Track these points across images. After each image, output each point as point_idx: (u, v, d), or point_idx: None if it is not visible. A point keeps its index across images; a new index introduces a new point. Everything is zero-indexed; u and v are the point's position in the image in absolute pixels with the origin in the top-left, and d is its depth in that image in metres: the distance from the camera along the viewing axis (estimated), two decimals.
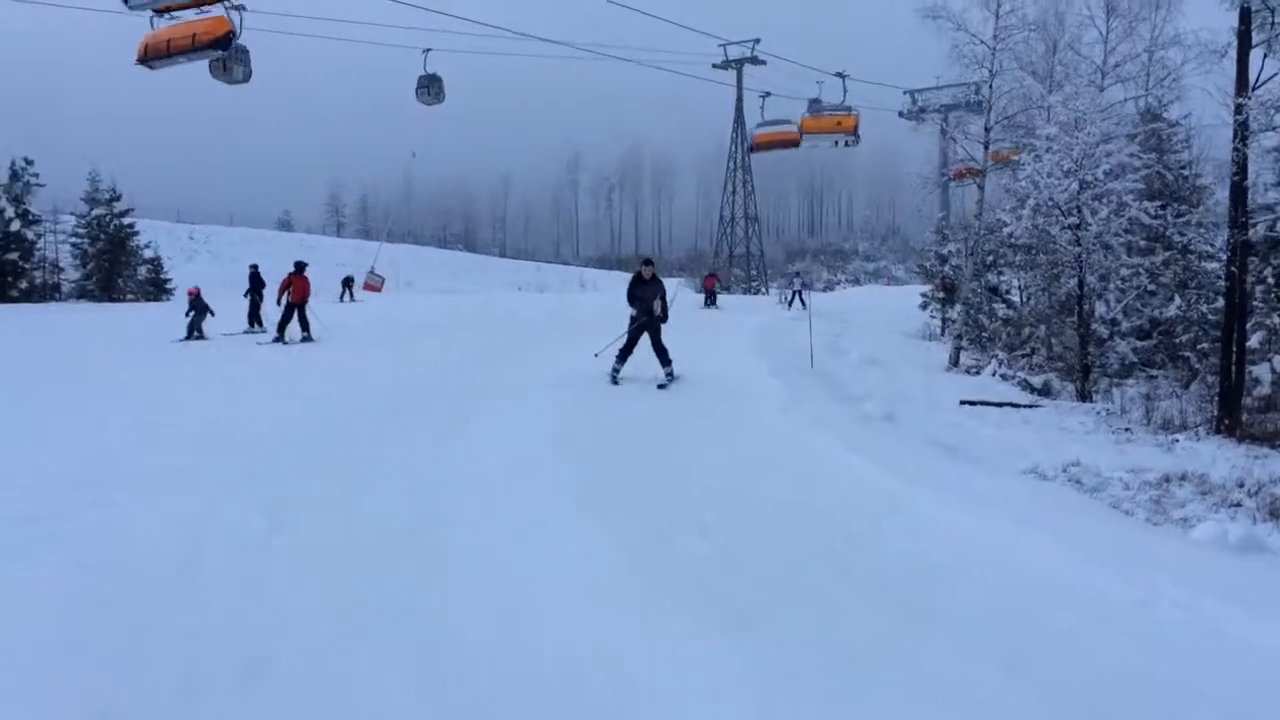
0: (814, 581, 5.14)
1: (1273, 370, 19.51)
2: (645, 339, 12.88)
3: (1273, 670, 4.18)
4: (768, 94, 31.07)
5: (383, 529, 5.64)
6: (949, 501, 6.98)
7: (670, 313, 13.45)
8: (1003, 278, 27.34)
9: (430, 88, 19.87)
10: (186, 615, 4.24)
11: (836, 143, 37.36)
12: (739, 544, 5.71)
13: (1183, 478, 10.98)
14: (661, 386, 12.37)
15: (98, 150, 38.70)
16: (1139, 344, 22.27)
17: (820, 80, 36.80)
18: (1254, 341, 19.97)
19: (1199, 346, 21.40)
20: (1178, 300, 21.99)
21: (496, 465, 7.37)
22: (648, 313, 12.75)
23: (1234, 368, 15.48)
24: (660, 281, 13.35)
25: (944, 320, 30.01)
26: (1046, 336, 21.96)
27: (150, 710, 3.37)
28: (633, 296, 13.05)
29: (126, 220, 35.14)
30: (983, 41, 20.38)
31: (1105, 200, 15.96)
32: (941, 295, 30.60)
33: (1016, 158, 19.59)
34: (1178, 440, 13.75)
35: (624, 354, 12.76)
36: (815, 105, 39.79)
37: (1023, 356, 22.63)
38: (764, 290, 70.27)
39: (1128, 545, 6.05)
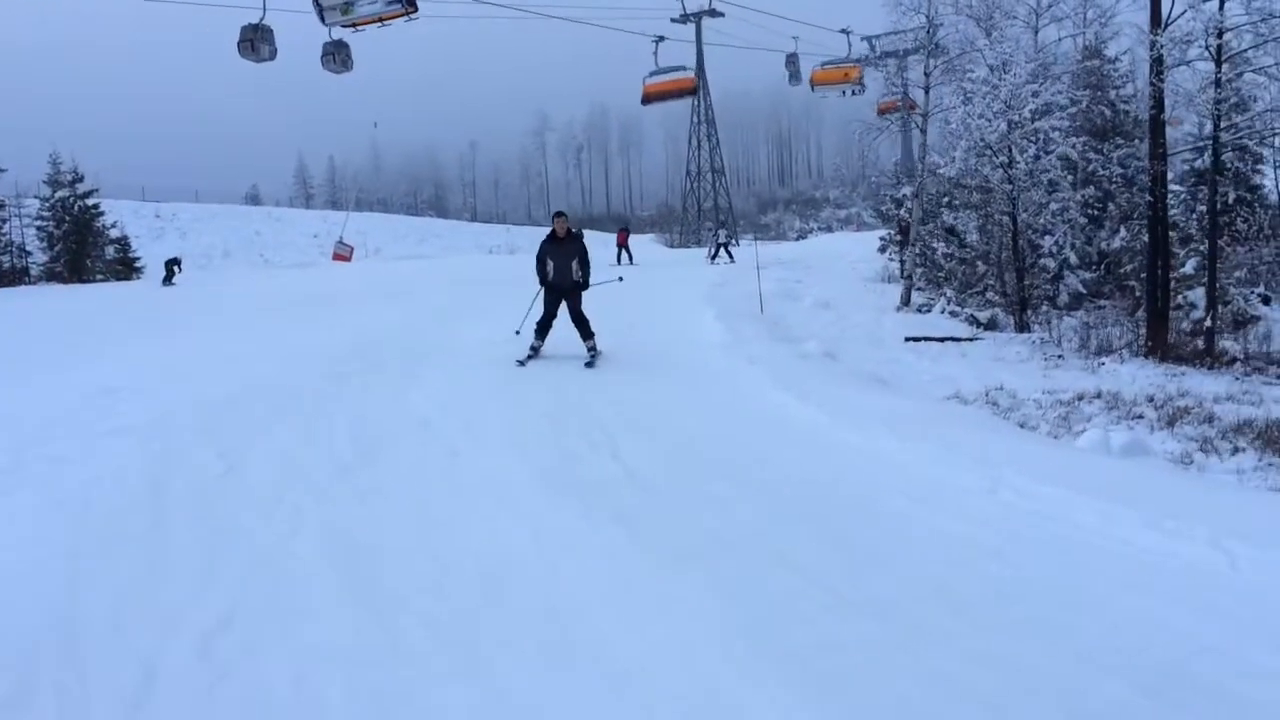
0: (706, 492, 5.82)
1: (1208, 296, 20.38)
2: (563, 308, 10.92)
3: (1066, 533, 4.92)
4: (661, 38, 29.20)
5: (326, 464, 6.29)
6: (852, 425, 7.66)
7: (593, 276, 11.44)
8: (957, 217, 28.03)
9: (336, 54, 19.08)
10: (149, 534, 4.89)
11: (844, 92, 37.46)
12: (647, 465, 6.38)
13: (1097, 396, 11.73)
14: (588, 365, 10.46)
15: (58, 133, 38.69)
16: (1087, 276, 23.10)
17: (795, 34, 36.94)
18: (1189, 268, 20.82)
19: (1142, 276, 22.17)
20: (1123, 232, 22.77)
21: (434, 411, 8.02)
22: (565, 281, 10.83)
23: (1159, 293, 16.21)
24: (579, 238, 11.54)
25: (901, 262, 30.75)
26: (998, 273, 22.66)
27: (118, 604, 4.01)
28: (542, 261, 11.00)
29: (91, 201, 35.29)
30: None
31: (1032, 138, 16.60)
32: (899, 238, 31.30)
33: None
34: (1103, 364, 14.52)
35: (542, 327, 10.84)
36: (791, 63, 40.29)
37: (976, 294, 23.34)
38: (735, 242, 70.86)
39: (1002, 451, 6.74)
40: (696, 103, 73.15)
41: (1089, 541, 4.78)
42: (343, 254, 42.80)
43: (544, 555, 4.65)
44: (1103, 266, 23.37)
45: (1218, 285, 17.57)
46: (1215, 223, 15.94)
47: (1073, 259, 22.40)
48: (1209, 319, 15.35)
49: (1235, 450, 8.60)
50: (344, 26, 18.80)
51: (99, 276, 33.95)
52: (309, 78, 19.28)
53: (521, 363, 10.39)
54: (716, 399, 8.98)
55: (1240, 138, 16.24)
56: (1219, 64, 14.10)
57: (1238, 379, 13.28)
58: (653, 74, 28.21)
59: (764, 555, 4.70)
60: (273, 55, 19.81)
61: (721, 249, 34.00)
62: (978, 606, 4.07)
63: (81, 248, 33.94)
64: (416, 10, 18.24)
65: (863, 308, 22.03)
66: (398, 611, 3.97)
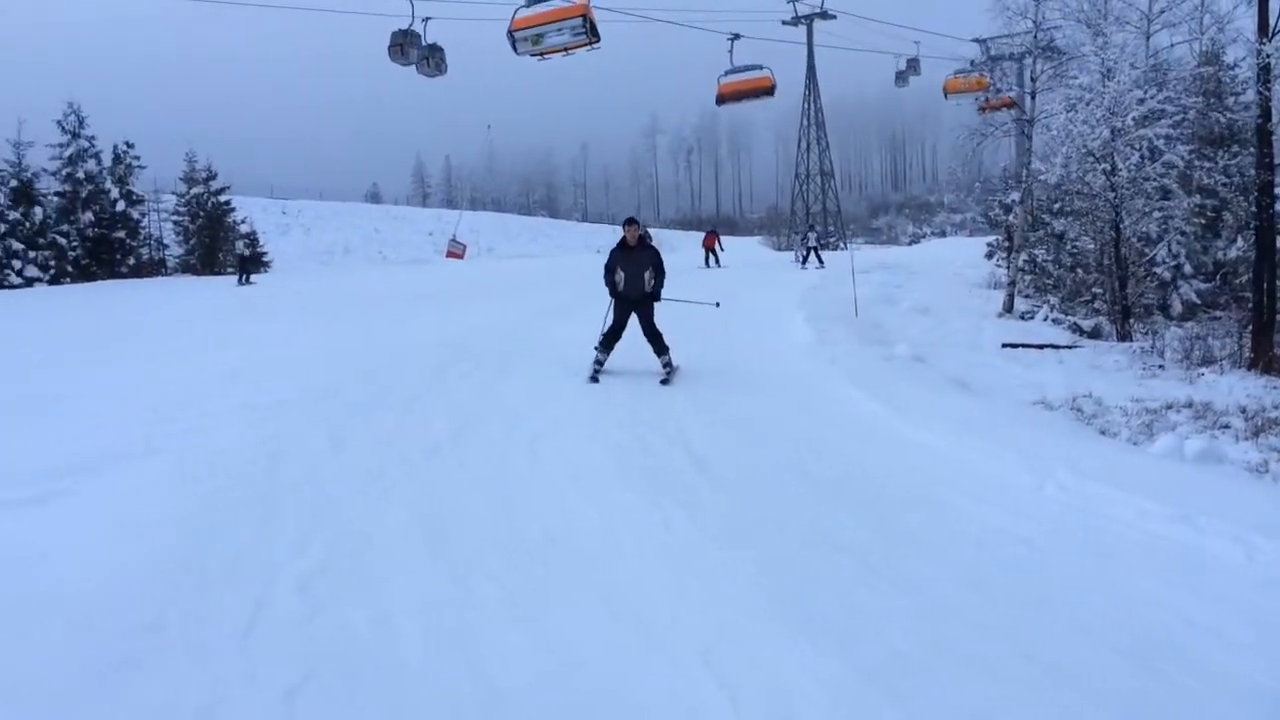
0: (766, 480, 6.23)
1: None
2: (634, 321, 10.29)
3: (1100, 525, 5.17)
4: (736, 36, 27.77)
5: (420, 445, 6.91)
6: (917, 423, 7.95)
7: (665, 287, 10.65)
8: (1067, 224, 27.55)
9: (431, 58, 19.59)
10: (264, 499, 5.54)
11: (977, 99, 36.88)
12: (714, 455, 6.82)
13: (1187, 405, 11.64)
14: (664, 382, 9.79)
15: (194, 132, 41.06)
16: (1202, 286, 22.53)
17: (916, 39, 36.59)
18: None
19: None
20: (1239, 242, 22.13)
21: (522, 402, 8.61)
22: (635, 291, 10.21)
23: (1265, 304, 15.83)
24: (652, 248, 10.69)
25: (1010, 269, 30.38)
26: (1105, 281, 22.30)
27: (235, 554, 4.64)
28: (611, 271, 10.35)
29: (223, 198, 37.40)
30: None
31: (1135, 146, 16.39)
32: (1006, 244, 30.92)
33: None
34: (1203, 374, 14.29)
35: (608, 340, 10.18)
36: (911, 67, 39.81)
37: (1084, 302, 22.99)
38: (842, 246, 70.46)
39: (1060, 452, 6.95)
40: (806, 105, 72.96)
41: (1119, 533, 5.04)
42: (456, 252, 44.14)
43: (605, 527, 5.13)
44: (1219, 276, 22.76)
45: None
46: None
47: (1187, 268, 21.90)
48: None
49: None
50: (532, 55, 19.90)
51: (229, 269, 35.95)
52: (429, 80, 20.16)
53: (594, 379, 9.74)
54: (791, 397, 9.34)
55: None
56: None
57: None
58: (727, 73, 27.41)
59: (810, 535, 5.09)
60: (444, 70, 20.59)
61: (812, 252, 32.91)
62: (997, 585, 4.40)
63: (213, 242, 35.96)
64: (599, 40, 19.18)
65: (963, 313, 21.95)
66: (470, 568, 4.51)
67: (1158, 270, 21.51)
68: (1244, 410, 11.40)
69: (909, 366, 12.77)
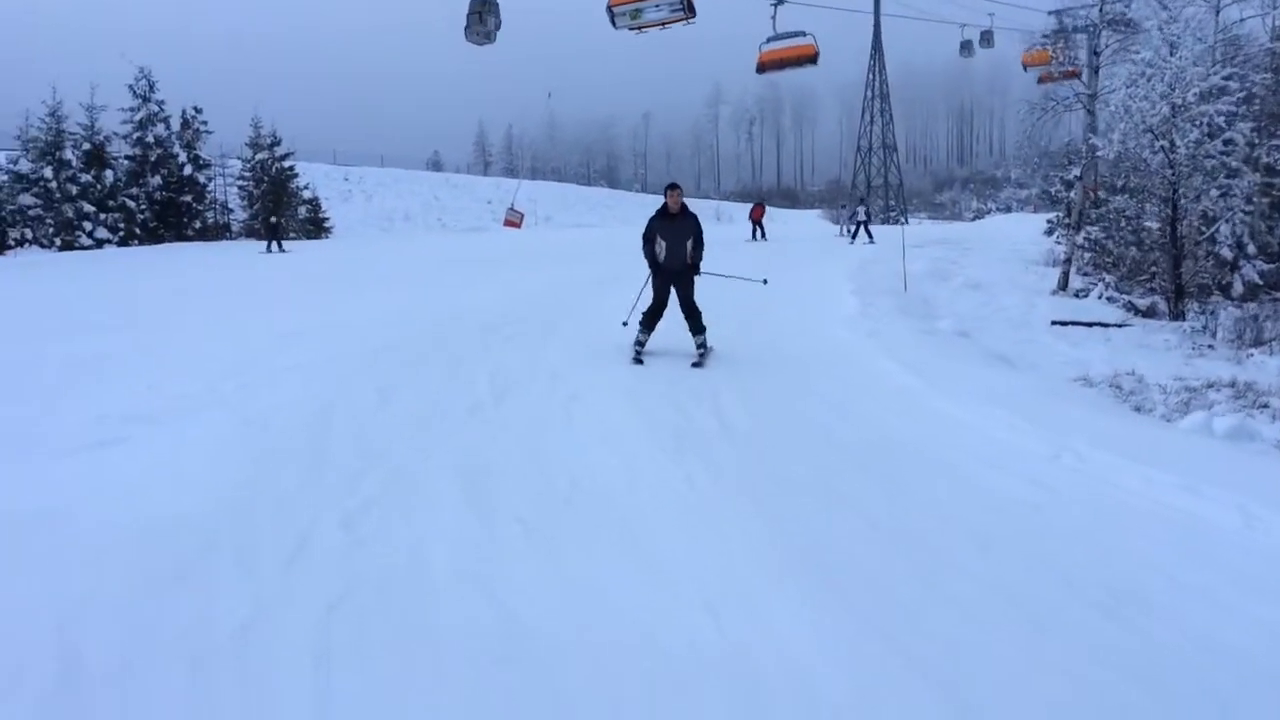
0: (791, 444, 6.48)
1: None
2: (673, 296, 9.74)
3: (1106, 492, 5.36)
4: (781, 0, 26.52)
5: (464, 402, 7.28)
6: (945, 394, 8.14)
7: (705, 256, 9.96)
8: (1129, 202, 27.11)
9: (482, 23, 19.39)
10: (314, 447, 5.94)
11: (1054, 75, 36.24)
12: (743, 419, 7.09)
13: (1230, 385, 11.62)
14: (695, 365, 9.25)
15: (261, 99, 41.91)
16: (1265, 266, 22.13)
17: (992, 9, 35.93)
18: None
19: None
20: None
21: (564, 364, 8.94)
22: (677, 263, 9.60)
23: None
24: (693, 216, 9.78)
25: (1067, 245, 30.03)
26: (1164, 259, 22.00)
27: (284, 494, 5.03)
28: (651, 240, 9.74)
29: (287, 163, 38.24)
30: None
31: (1195, 122, 16.17)
32: (1066, 220, 30.55)
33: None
34: (1252, 355, 14.18)
35: (650, 318, 9.68)
36: (985, 39, 39.18)
37: (1142, 281, 22.71)
38: (904, 220, 69.82)
39: (1082, 425, 7.11)
40: (870, 76, 72.19)
41: (1124, 500, 5.22)
42: (513, 220, 44.59)
43: (629, 480, 5.44)
44: None
45: None
46: None
47: (1250, 248, 21.51)
48: None
49: None
50: (630, 29, 20.36)
51: (291, 234, 36.81)
52: (491, 48, 20.39)
53: (638, 360, 9.28)
54: (827, 368, 9.54)
55: None
56: None
57: None
58: (769, 40, 26.48)
59: (825, 496, 5.34)
60: (497, 26, 21.02)
61: (861, 227, 32.21)
62: (999, 545, 4.62)
63: (277, 207, 36.85)
64: (694, 15, 19.61)
65: (1016, 290, 21.85)
66: (499, 512, 4.85)
67: (1219, 250, 21.18)
68: None
69: (951, 341, 12.87)
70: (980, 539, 4.70)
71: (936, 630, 3.69)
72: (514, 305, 13.42)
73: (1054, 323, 16.86)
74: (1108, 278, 21.96)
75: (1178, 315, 17.53)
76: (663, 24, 20.06)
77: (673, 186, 9.83)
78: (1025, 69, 31.53)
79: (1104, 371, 12.14)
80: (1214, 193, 16.80)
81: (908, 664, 3.43)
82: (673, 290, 9.73)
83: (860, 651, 3.51)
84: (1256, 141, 16.96)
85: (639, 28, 20.05)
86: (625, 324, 10.56)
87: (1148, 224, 26.56)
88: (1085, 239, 23.02)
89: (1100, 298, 20.95)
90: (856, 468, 5.94)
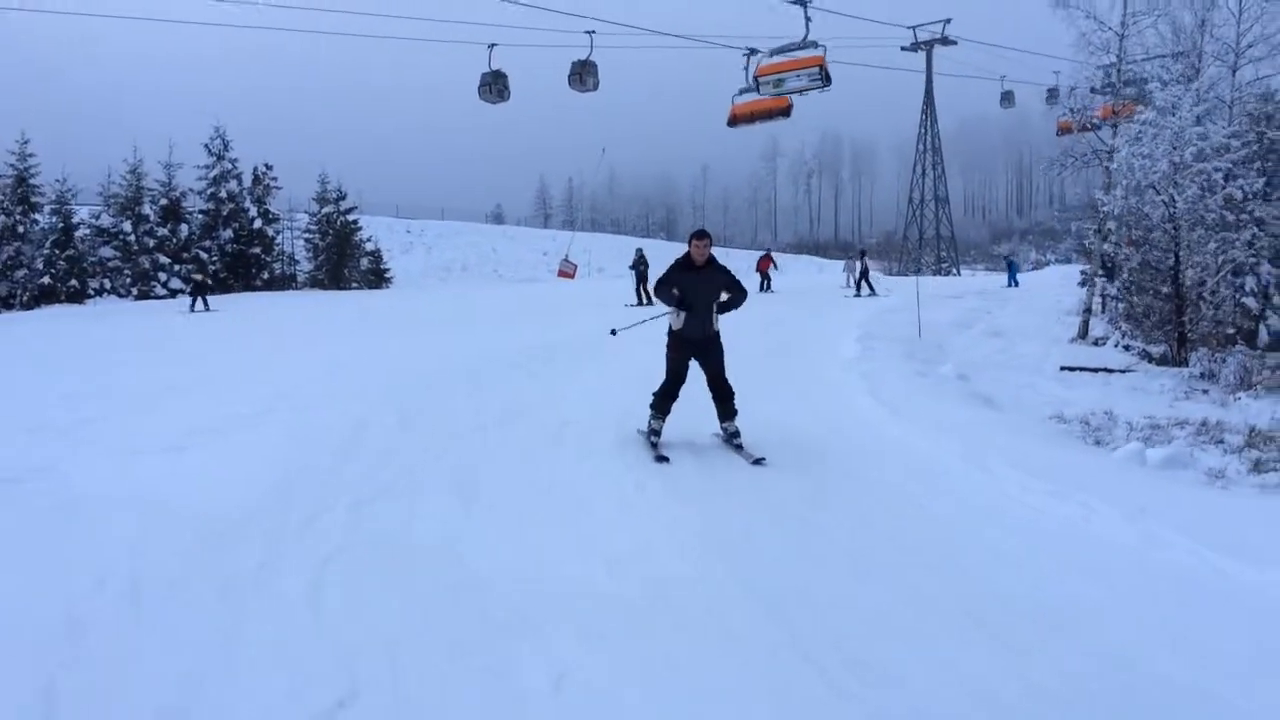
0: (740, 462, 7.62)
1: None
2: (697, 370, 8.09)
3: (992, 499, 6.41)
4: (752, 51, 26.77)
5: (473, 424, 8.58)
6: (908, 424, 9.19)
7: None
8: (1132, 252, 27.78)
9: (493, 85, 21.48)
10: (341, 454, 7.27)
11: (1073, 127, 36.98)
12: (706, 441, 8.25)
13: (1202, 424, 12.40)
14: (738, 446, 7.89)
15: (327, 156, 44.43)
16: None
17: (1057, 68, 36.76)
18: None
19: None
20: None
21: (574, 395, 10.23)
22: (701, 330, 7.92)
23: None
24: (723, 268, 8.03)
25: (1103, 297, 30.68)
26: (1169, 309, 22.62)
27: (311, 488, 6.32)
28: (668, 290, 7.94)
29: (351, 217, 40.45)
30: (1110, 28, 21.61)
31: (1193, 179, 17.07)
32: (1100, 273, 31.22)
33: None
34: (1239, 398, 14.90)
35: (664, 400, 7.99)
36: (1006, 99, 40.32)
37: (1163, 329, 23.34)
38: (955, 272, 70.44)
39: (1009, 449, 8.13)
40: (923, 130, 73.29)
41: (999, 503, 6.31)
42: (567, 271, 46.19)
43: (588, 483, 6.68)
44: None
45: None
46: None
47: (1277, 299, 22.12)
48: None
49: (1260, 465, 9.41)
50: (770, 94, 22.54)
51: (354, 285, 38.82)
52: (554, 100, 22.32)
53: (661, 458, 7.53)
54: (807, 401, 10.64)
55: None
56: None
57: None
58: (742, 92, 26.64)
59: (757, 501, 6.45)
60: (595, 86, 23.61)
61: (862, 278, 31.51)
62: (881, 530, 5.74)
63: (341, 258, 38.90)
64: (830, 83, 21.56)
65: (1037, 338, 22.60)
66: (476, 501, 6.12)
67: (1243, 300, 21.84)
68: (1254, 429, 12.11)
69: (944, 383, 13.79)
70: (870, 527, 5.81)
71: (805, 589, 4.81)
72: (548, 346, 14.78)
73: (1062, 368, 17.63)
74: (1124, 326, 22.70)
75: (1180, 362, 18.26)
76: (802, 91, 22.08)
77: (700, 235, 7.91)
78: (1059, 134, 32.31)
79: (1082, 411, 13.01)
80: (1211, 245, 17.60)
81: (746, 591, 4.59)
82: (694, 364, 8.04)
83: (710, 575, 4.68)
84: (1256, 194, 17.67)
85: (779, 95, 22.24)
86: (614, 333, 9.94)
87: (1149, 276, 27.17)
88: (1104, 290, 23.79)
89: (1116, 345, 21.68)
90: (793, 479, 7.03)
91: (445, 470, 6.86)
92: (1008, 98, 39.85)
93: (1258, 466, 9.69)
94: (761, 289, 31.19)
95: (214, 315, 23.71)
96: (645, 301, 25.69)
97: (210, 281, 28.46)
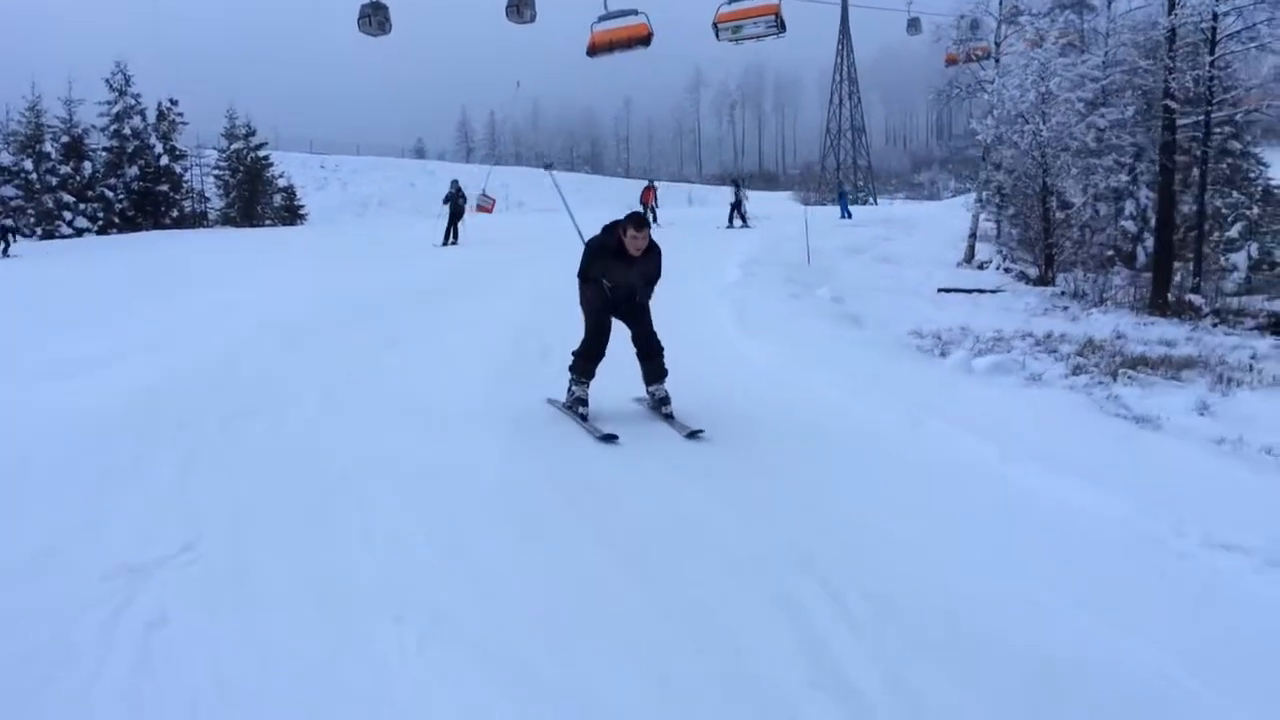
0: None
1: (1249, 256, 21.36)
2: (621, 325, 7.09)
3: (804, 398, 7.32)
4: None
5: (365, 348, 9.31)
6: (751, 337, 10.09)
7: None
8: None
9: (373, 17, 21.49)
10: (226, 386, 7.87)
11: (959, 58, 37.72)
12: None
13: (1047, 336, 13.47)
14: (668, 416, 6.75)
15: (236, 91, 43.73)
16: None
17: None
18: (1234, 232, 21.78)
19: (1214, 238, 23.07)
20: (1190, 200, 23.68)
21: (466, 319, 11.01)
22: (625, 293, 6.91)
23: (1163, 253, 17.63)
24: (657, 254, 6.93)
25: (998, 223, 31.92)
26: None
27: (192, 401, 6.96)
28: (596, 287, 6.90)
29: (262, 153, 40.08)
30: None
31: (1056, 108, 18.13)
32: (990, 199, 32.46)
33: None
34: (1091, 313, 16.11)
35: (586, 362, 6.89)
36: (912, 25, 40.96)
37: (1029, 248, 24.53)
38: (872, 201, 71.79)
39: (857, 364, 9.06)
40: (839, 60, 74.05)
41: (809, 398, 7.27)
42: (485, 206, 46.24)
43: (445, 389, 7.46)
44: (1182, 229, 24.30)
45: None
46: (1204, 191, 17.20)
47: (1154, 222, 23.47)
48: (1194, 277, 16.70)
49: (1079, 370, 10.50)
50: (729, 42, 22.89)
51: (267, 221, 38.63)
52: (475, 34, 22.43)
53: (609, 437, 6.24)
54: (668, 318, 11.42)
55: (1244, 114, 17.38)
56: (1213, 46, 15.44)
57: (1196, 328, 14.74)
58: (600, 19, 26.06)
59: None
60: (533, 19, 23.43)
61: (734, 210, 31.11)
62: (699, 411, 6.61)
63: (253, 195, 38.58)
64: (785, 30, 22.03)
65: (928, 263, 23.62)
66: (344, 407, 6.92)
67: (1124, 224, 23.17)
68: (1090, 341, 13.22)
69: (817, 305, 14.66)
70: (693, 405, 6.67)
71: (591, 469, 5.64)
72: (454, 277, 15.52)
73: (940, 290, 18.70)
74: (1003, 249, 23.93)
75: (1048, 281, 19.51)
76: (758, 38, 22.59)
77: (639, 223, 6.67)
78: (947, 65, 33.21)
79: (941, 328, 13.99)
80: (1074, 171, 18.73)
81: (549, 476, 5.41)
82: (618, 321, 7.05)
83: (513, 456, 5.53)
84: (1124, 123, 18.76)
85: (737, 40, 22.60)
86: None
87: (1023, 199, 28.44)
88: (988, 215, 24.95)
89: (998, 268, 22.94)
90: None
91: (318, 385, 7.62)
92: (914, 24, 40.45)
93: (1075, 371, 10.79)
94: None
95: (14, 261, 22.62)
96: (454, 240, 24.52)
97: (14, 223, 27.12)
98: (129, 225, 35.12)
